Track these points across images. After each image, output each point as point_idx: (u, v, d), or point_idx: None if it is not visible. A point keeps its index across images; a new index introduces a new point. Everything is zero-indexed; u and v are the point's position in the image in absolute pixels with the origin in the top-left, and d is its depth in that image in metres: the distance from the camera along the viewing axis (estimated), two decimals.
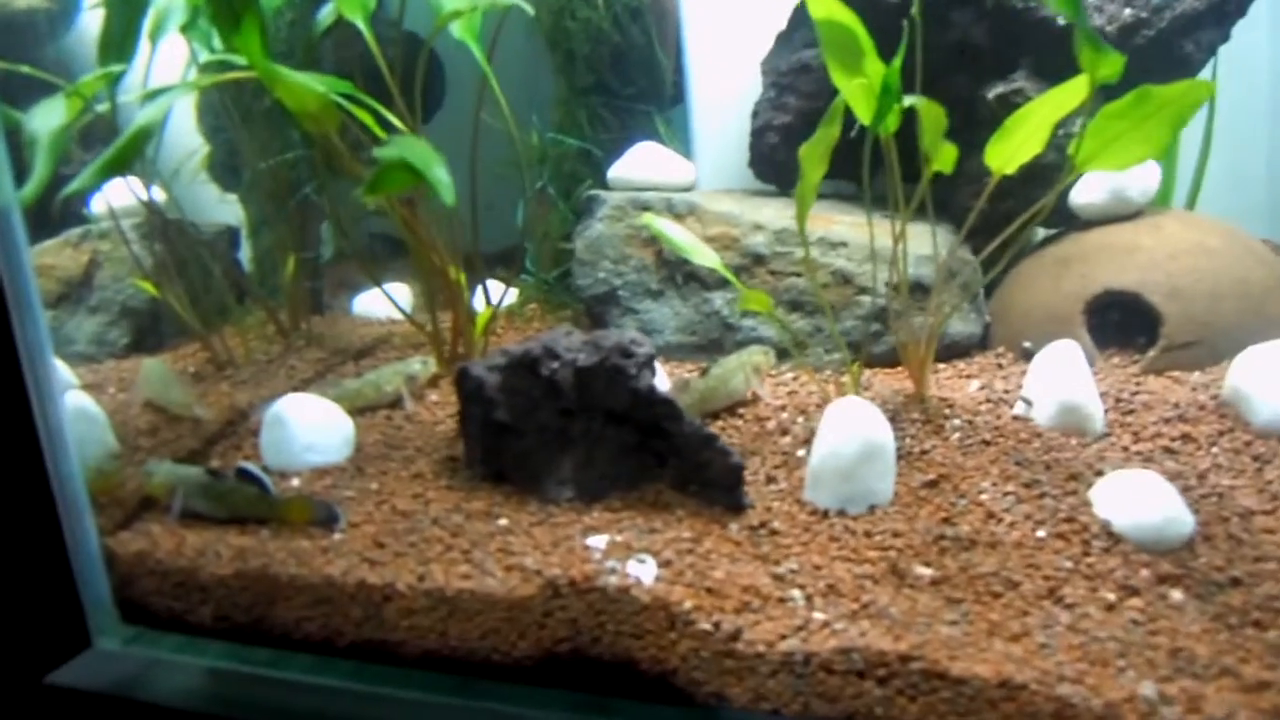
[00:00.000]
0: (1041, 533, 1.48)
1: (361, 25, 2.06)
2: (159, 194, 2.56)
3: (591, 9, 2.60)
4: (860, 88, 1.67)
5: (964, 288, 2.16)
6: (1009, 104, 2.18)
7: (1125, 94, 1.56)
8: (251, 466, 1.66)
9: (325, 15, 2.21)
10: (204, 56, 2.38)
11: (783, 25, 2.52)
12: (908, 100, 1.56)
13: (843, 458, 1.55)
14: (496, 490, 1.69)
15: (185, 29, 2.23)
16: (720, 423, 1.91)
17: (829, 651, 1.25)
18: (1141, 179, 2.20)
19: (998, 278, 2.26)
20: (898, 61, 1.62)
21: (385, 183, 1.36)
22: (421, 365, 2.16)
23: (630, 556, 1.42)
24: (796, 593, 1.36)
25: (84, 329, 2.74)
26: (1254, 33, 2.29)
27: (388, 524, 1.59)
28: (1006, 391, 1.96)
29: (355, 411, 2.01)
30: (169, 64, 2.38)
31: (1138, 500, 1.48)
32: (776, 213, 2.32)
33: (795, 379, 2.13)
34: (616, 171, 2.53)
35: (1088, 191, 2.24)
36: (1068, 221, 2.33)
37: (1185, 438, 1.75)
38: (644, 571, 1.39)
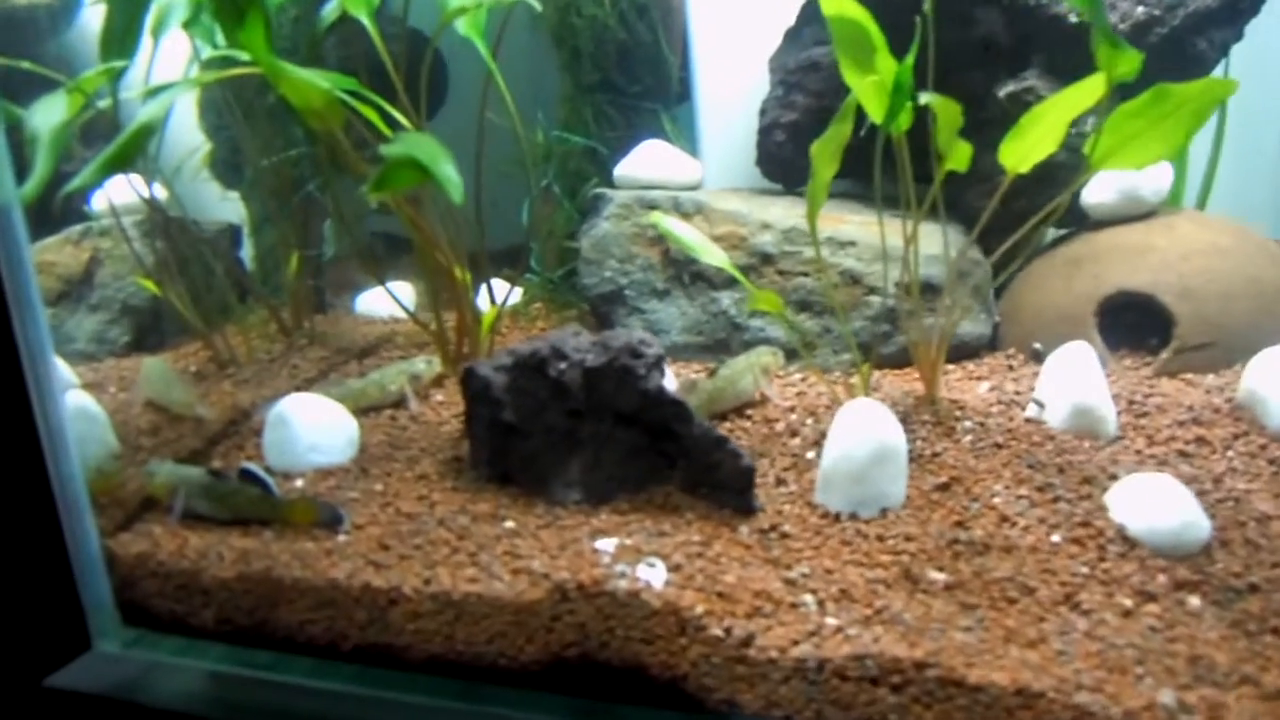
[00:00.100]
0: (1056, 537, 1.46)
1: (366, 21, 2.05)
2: (160, 191, 2.54)
3: (597, 6, 2.58)
4: (872, 85, 1.65)
5: (975, 289, 2.13)
6: (1020, 102, 2.16)
7: (1138, 93, 1.54)
8: (254, 467, 1.65)
9: (329, 11, 2.19)
10: (206, 53, 2.36)
11: (791, 22, 2.50)
12: (923, 98, 1.54)
13: (855, 460, 1.53)
14: (503, 492, 1.67)
15: (188, 25, 2.21)
16: (728, 424, 1.89)
17: (842, 658, 1.23)
18: (1154, 178, 2.18)
19: (1007, 278, 2.23)
20: (910, 59, 1.60)
21: (392, 180, 1.34)
22: (426, 365, 2.14)
23: (640, 560, 1.40)
24: (809, 597, 1.34)
25: (85, 327, 2.72)
26: (1267, 31, 2.26)
27: (392, 526, 1.58)
28: (1018, 393, 1.94)
29: (359, 411, 1.99)
30: (171, 60, 2.37)
31: (1154, 505, 1.46)
32: (784, 212, 2.30)
33: (804, 380, 2.11)
34: (622, 170, 2.51)
35: (1099, 191, 2.22)
36: (1078, 221, 2.30)
37: (1200, 441, 1.73)
38: (654, 575, 1.37)
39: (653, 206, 2.36)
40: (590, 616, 1.35)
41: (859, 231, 2.22)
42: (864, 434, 1.54)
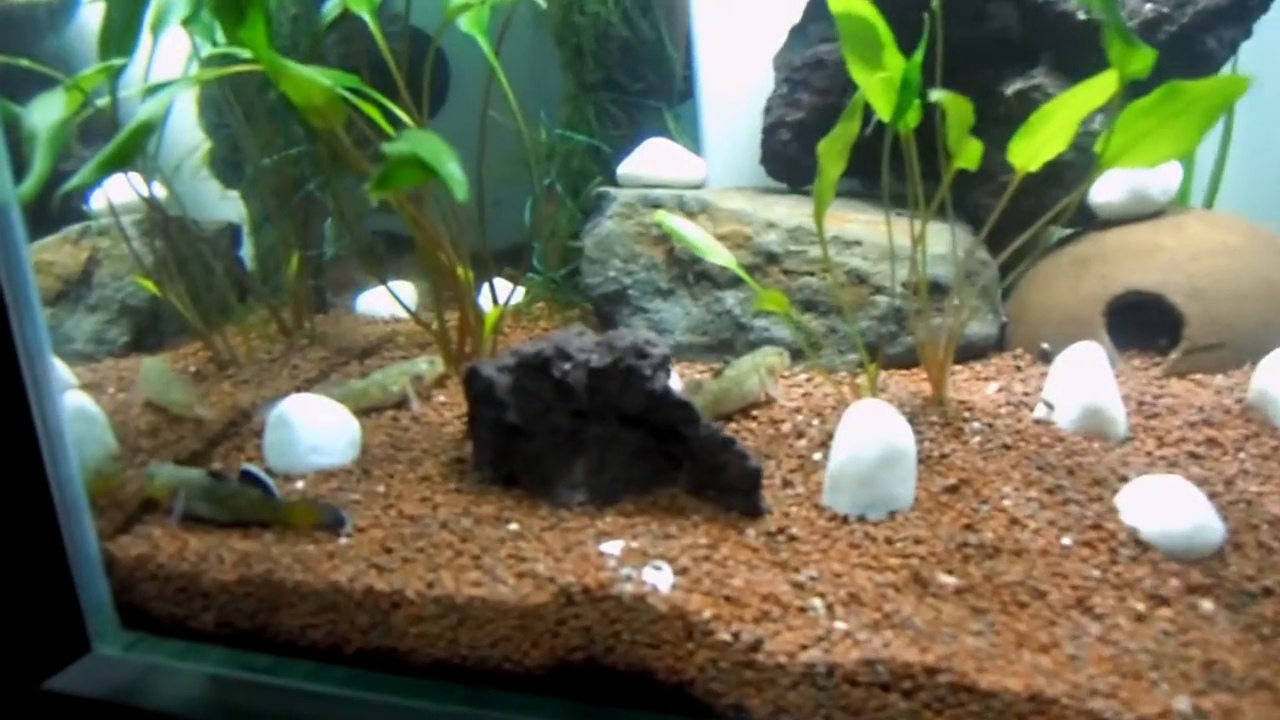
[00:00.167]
0: (1067, 540, 1.44)
1: (368, 18, 2.03)
2: (160, 190, 2.53)
3: (600, 3, 2.56)
4: (880, 83, 1.63)
5: (983, 290, 2.12)
6: (1028, 100, 2.15)
7: (1145, 92, 1.53)
8: (255, 469, 1.63)
9: (330, 9, 2.17)
10: (206, 50, 2.34)
11: (796, 19, 2.49)
12: (934, 94, 1.52)
13: (863, 462, 1.51)
14: (506, 494, 1.66)
15: (187, 22, 2.19)
16: (733, 425, 1.88)
17: (852, 663, 1.22)
18: (1162, 177, 2.16)
19: (1015, 278, 2.22)
20: (918, 56, 1.58)
21: (395, 178, 1.33)
22: (428, 365, 2.13)
23: (646, 563, 1.38)
24: (817, 601, 1.33)
25: (83, 327, 2.71)
26: (1275, 29, 2.24)
27: (395, 528, 1.56)
28: (1026, 394, 1.92)
29: (361, 412, 1.98)
30: (170, 58, 2.35)
31: (1166, 507, 1.44)
32: (789, 210, 2.28)
33: (809, 380, 2.09)
34: (626, 168, 2.50)
35: (1107, 190, 2.20)
36: (1085, 221, 2.29)
37: (1211, 442, 1.71)
38: (660, 579, 1.35)
39: (657, 205, 2.34)
40: (596, 620, 1.33)
41: (865, 230, 2.21)
42: (872, 435, 1.52)
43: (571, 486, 1.60)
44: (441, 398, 2.13)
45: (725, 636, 1.26)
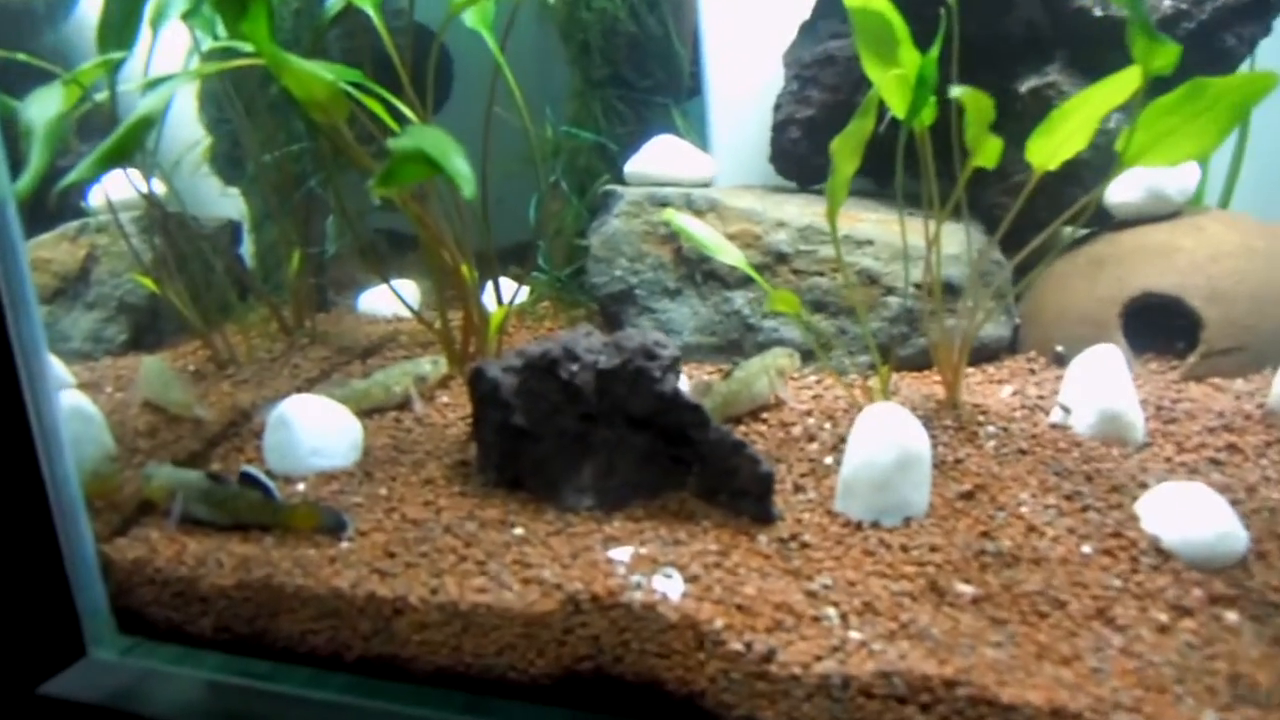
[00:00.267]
0: (1087, 548, 1.41)
1: (371, 12, 2.00)
2: (159, 187, 2.51)
3: None
4: (895, 79, 1.60)
5: (998, 292, 2.08)
6: (1042, 98, 2.11)
7: (1162, 90, 1.49)
8: (255, 471, 1.61)
9: (333, 3, 2.14)
10: (207, 44, 2.31)
11: (806, 15, 2.46)
12: (953, 90, 1.48)
13: (877, 467, 1.48)
14: (511, 498, 1.63)
15: (187, 16, 2.17)
16: (743, 428, 1.85)
17: (868, 675, 1.19)
18: (1180, 178, 2.13)
19: (1026, 278, 2.18)
20: (934, 52, 1.55)
21: (400, 174, 1.29)
22: (432, 365, 2.11)
23: (656, 570, 1.35)
24: (831, 611, 1.30)
25: (81, 325, 2.69)
26: None
27: (398, 532, 1.54)
28: (1041, 398, 1.89)
29: (363, 413, 1.96)
30: (170, 52, 2.33)
31: (1188, 515, 1.41)
32: (799, 210, 2.25)
33: (819, 382, 2.06)
34: (633, 166, 2.47)
35: (1123, 190, 2.17)
36: (1100, 221, 2.25)
37: (1231, 448, 1.68)
38: (670, 587, 1.32)
39: (664, 204, 2.31)
40: (604, 629, 1.31)
41: (876, 230, 2.17)
42: (887, 439, 1.49)
43: (579, 490, 1.58)
44: (445, 399, 2.11)
45: (737, 647, 1.23)
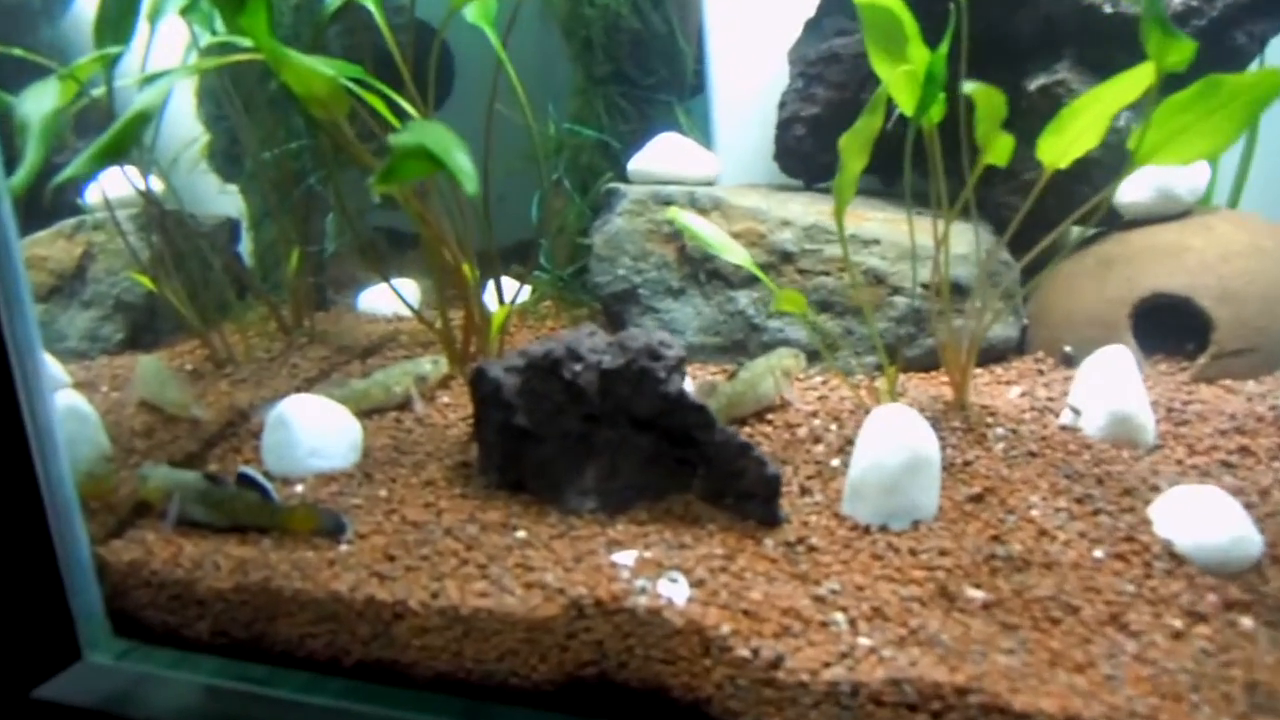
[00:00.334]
0: (1099, 553, 1.39)
1: (373, 8, 1.97)
2: (156, 184, 2.50)
3: None
4: (904, 75, 1.58)
5: (1006, 292, 2.06)
6: (1050, 95, 2.09)
7: (1172, 89, 1.47)
8: (252, 472, 1.59)
9: None
10: (205, 40, 2.29)
11: (811, 12, 2.44)
12: (966, 87, 1.46)
13: (886, 469, 1.46)
14: (513, 500, 1.62)
15: (185, 11, 2.15)
16: (748, 429, 1.82)
17: (878, 682, 1.17)
18: (1190, 176, 2.11)
19: (1035, 279, 2.16)
20: (943, 48, 1.53)
21: (401, 170, 1.27)
22: (432, 365, 2.10)
23: (661, 574, 1.33)
24: (839, 616, 1.28)
25: (77, 324, 2.67)
26: None
27: (398, 535, 1.53)
28: (1050, 399, 1.87)
29: (362, 414, 1.94)
30: (168, 49, 2.31)
31: (1202, 519, 1.40)
32: (804, 208, 2.23)
33: (824, 383, 2.04)
34: (636, 164, 2.45)
35: (1133, 189, 2.15)
36: (1109, 220, 2.23)
37: (1243, 451, 1.66)
38: (676, 591, 1.30)
39: (668, 202, 2.29)
40: (608, 634, 1.29)
41: (882, 229, 2.15)
42: (896, 441, 1.47)
43: (582, 493, 1.56)
44: (446, 399, 2.09)
45: (744, 653, 1.21)
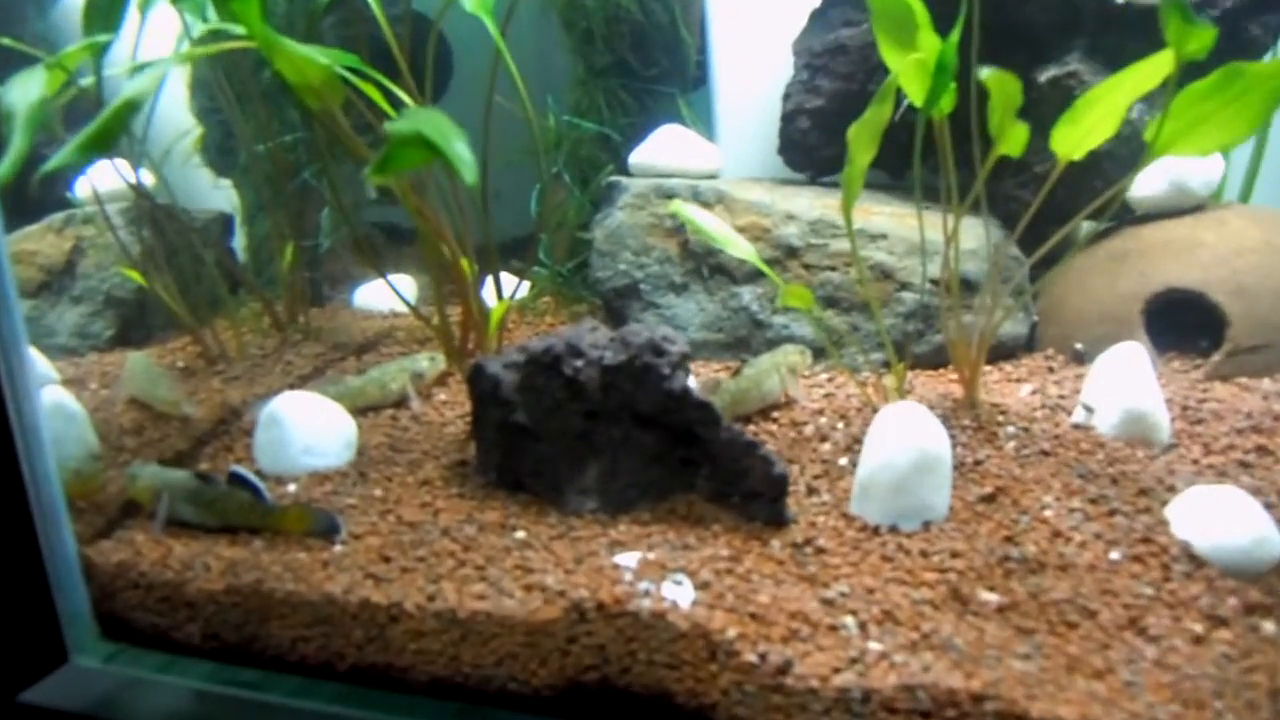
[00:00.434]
0: (1115, 554, 1.36)
1: None
2: (147, 177, 2.47)
3: None
4: (914, 64, 1.54)
5: (1016, 288, 2.03)
6: (1061, 87, 2.06)
7: (1185, 80, 1.43)
8: (244, 470, 1.58)
9: None
10: (197, 29, 2.25)
11: (816, 2, 2.40)
12: (982, 73, 1.42)
13: (896, 469, 1.42)
14: (512, 499, 1.60)
15: (177, 0, 2.10)
16: (753, 427, 1.79)
17: (890, 688, 1.13)
18: (1204, 170, 2.08)
19: (1046, 274, 2.13)
20: (954, 36, 1.49)
21: (398, 159, 1.23)
22: (429, 362, 2.09)
23: (664, 577, 1.30)
24: (849, 619, 1.24)
25: (66, 320, 2.65)
26: None
27: (393, 535, 1.50)
28: (1061, 397, 1.83)
29: (357, 411, 1.93)
30: (159, 40, 2.28)
31: (1221, 520, 1.36)
32: (809, 202, 2.20)
33: (831, 380, 2.00)
34: (638, 157, 2.43)
35: (1145, 183, 2.11)
36: (1121, 214, 2.19)
37: (1261, 450, 1.63)
38: (680, 594, 1.26)
39: (670, 196, 2.26)
40: (610, 638, 1.26)
41: (890, 223, 2.12)
42: (906, 440, 1.43)
43: (582, 492, 1.53)
44: (443, 396, 2.07)
45: (751, 658, 1.18)
